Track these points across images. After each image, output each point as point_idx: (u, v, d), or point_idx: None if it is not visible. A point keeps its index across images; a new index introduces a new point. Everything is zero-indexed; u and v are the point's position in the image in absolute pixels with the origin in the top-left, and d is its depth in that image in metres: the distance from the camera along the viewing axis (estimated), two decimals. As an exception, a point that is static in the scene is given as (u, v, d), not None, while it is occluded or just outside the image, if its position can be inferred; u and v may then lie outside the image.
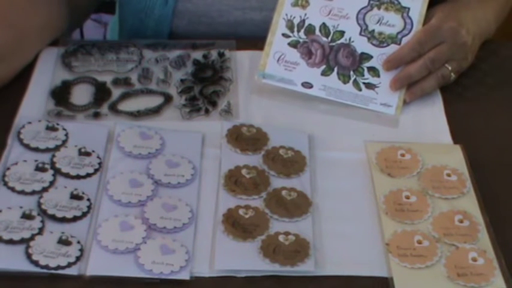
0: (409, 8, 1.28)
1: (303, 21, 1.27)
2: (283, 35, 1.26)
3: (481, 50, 1.33)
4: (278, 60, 1.25)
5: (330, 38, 1.26)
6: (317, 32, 1.26)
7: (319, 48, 1.25)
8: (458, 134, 1.21)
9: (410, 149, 1.17)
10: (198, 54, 1.31)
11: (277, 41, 1.26)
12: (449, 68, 1.25)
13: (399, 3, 1.28)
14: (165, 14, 1.38)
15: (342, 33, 1.26)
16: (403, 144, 1.18)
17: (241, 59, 1.31)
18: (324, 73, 1.25)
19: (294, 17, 1.27)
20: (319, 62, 1.25)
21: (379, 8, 1.27)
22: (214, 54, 1.31)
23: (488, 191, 1.12)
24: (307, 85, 1.23)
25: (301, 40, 1.26)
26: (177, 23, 1.40)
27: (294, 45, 1.26)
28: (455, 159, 1.16)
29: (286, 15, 1.27)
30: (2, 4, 1.24)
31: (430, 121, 1.24)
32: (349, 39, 1.26)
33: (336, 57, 1.25)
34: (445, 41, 1.24)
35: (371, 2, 1.27)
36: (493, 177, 1.15)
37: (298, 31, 1.26)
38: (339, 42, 1.26)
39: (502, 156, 1.19)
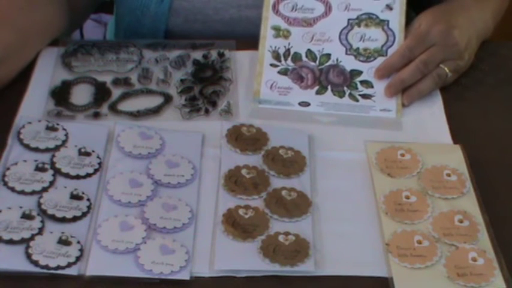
0: (388, 21, 1.29)
1: (288, 50, 1.28)
2: (271, 65, 1.27)
3: (481, 50, 1.33)
4: (271, 87, 1.25)
5: (317, 62, 1.27)
6: (304, 58, 1.27)
7: (309, 72, 1.25)
8: (458, 134, 1.21)
9: (410, 149, 1.17)
10: (198, 54, 1.31)
11: (266, 70, 1.27)
12: (445, 67, 1.25)
13: (377, 17, 1.28)
14: (161, 12, 1.38)
15: (328, 55, 1.27)
16: (403, 144, 1.18)
17: (241, 59, 1.31)
18: (318, 92, 1.25)
19: (279, 48, 1.28)
20: (311, 84, 1.25)
21: (359, 26, 1.28)
22: (214, 54, 1.31)
23: (488, 191, 1.12)
24: (305, 104, 1.24)
25: (290, 67, 1.27)
26: (173, 21, 1.40)
27: (283, 73, 1.27)
28: (455, 159, 1.16)
29: (271, 46, 1.28)
30: (2, 4, 1.24)
31: (430, 121, 1.24)
32: (337, 60, 1.27)
33: (327, 77, 1.26)
34: (436, 44, 1.24)
35: (350, 21, 1.28)
36: (493, 177, 1.15)
37: (285, 60, 1.27)
38: (327, 64, 1.27)
39: (502, 156, 1.19)
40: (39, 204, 1.06)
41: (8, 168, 1.10)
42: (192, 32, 1.39)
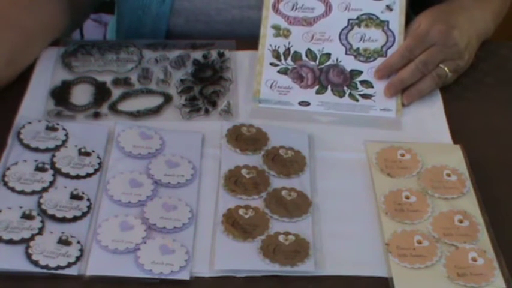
0: (388, 21, 1.29)
1: (288, 49, 1.28)
2: (271, 64, 1.27)
3: (481, 50, 1.34)
4: (271, 86, 1.25)
5: (317, 62, 1.27)
6: (304, 57, 1.27)
7: (309, 71, 1.25)
8: (458, 134, 1.21)
9: (410, 149, 1.17)
10: (198, 54, 1.31)
11: (266, 70, 1.27)
12: (445, 67, 1.25)
13: (378, 17, 1.29)
14: (163, 12, 1.38)
15: (328, 55, 1.27)
16: (403, 144, 1.18)
17: (241, 59, 1.31)
18: (318, 92, 1.25)
19: (279, 47, 1.28)
20: (311, 84, 1.26)
21: (359, 26, 1.28)
22: (214, 54, 1.31)
23: (488, 191, 1.12)
24: (304, 103, 1.24)
25: (290, 67, 1.27)
26: (175, 21, 1.39)
27: (283, 72, 1.27)
28: (455, 159, 1.16)
29: (271, 45, 1.28)
30: (5, 5, 1.24)
31: (430, 121, 1.24)
32: (337, 59, 1.27)
33: (327, 77, 1.26)
34: (436, 44, 1.24)
35: (350, 21, 1.28)
36: (493, 177, 1.15)
37: (285, 59, 1.27)
38: (327, 64, 1.27)
39: (502, 156, 1.19)
40: (39, 204, 1.06)
41: (8, 168, 1.10)
42: (193, 33, 1.39)
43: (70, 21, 1.36)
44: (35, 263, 0.99)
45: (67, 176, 1.10)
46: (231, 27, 1.40)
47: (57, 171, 1.11)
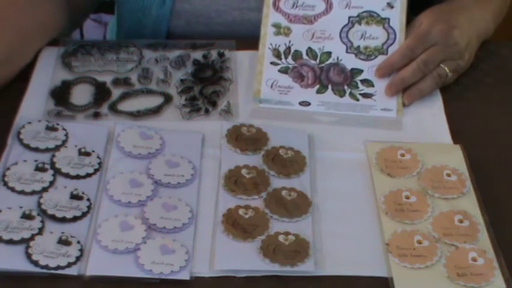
0: (388, 19, 1.29)
1: (289, 48, 1.28)
2: (272, 63, 1.27)
3: (481, 50, 1.34)
4: (271, 86, 1.25)
5: (318, 60, 1.27)
6: (304, 56, 1.27)
7: (309, 70, 1.25)
8: (458, 134, 1.21)
9: (410, 149, 1.17)
10: (198, 54, 1.31)
11: (266, 69, 1.26)
12: (446, 67, 1.25)
13: (378, 15, 1.29)
14: (163, 14, 1.38)
15: (329, 54, 1.27)
16: (403, 144, 1.18)
17: (241, 59, 1.31)
18: (318, 91, 1.25)
19: (279, 45, 1.28)
20: (312, 83, 1.26)
21: (360, 24, 1.28)
22: (214, 54, 1.31)
23: (488, 191, 1.12)
24: (305, 103, 1.24)
25: (290, 66, 1.27)
26: (175, 23, 1.39)
27: (284, 71, 1.26)
28: (455, 159, 1.16)
29: (271, 44, 1.28)
30: (1, 4, 1.24)
31: (430, 121, 1.24)
32: (337, 58, 1.27)
33: (328, 76, 1.26)
34: (437, 44, 1.24)
35: (351, 19, 1.28)
36: (493, 177, 1.15)
37: (286, 58, 1.27)
38: (327, 63, 1.27)
39: (502, 156, 1.19)
40: (39, 204, 1.06)
41: (8, 168, 1.10)
42: (194, 34, 1.38)
43: (68, 21, 1.36)
44: (35, 263, 0.99)
45: (67, 176, 1.10)
46: (231, 29, 1.40)
47: (57, 171, 1.11)
